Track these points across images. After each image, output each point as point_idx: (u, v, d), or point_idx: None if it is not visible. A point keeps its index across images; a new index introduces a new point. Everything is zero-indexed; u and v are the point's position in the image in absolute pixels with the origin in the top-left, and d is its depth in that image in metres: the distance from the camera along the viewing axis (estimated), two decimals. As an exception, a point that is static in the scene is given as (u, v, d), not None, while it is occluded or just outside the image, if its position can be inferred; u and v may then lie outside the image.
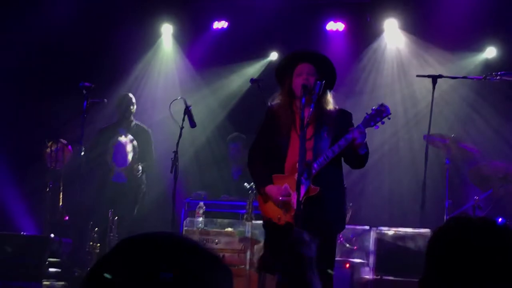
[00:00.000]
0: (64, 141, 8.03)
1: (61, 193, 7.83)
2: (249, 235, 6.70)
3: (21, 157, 8.88)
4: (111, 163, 8.10)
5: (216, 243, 6.70)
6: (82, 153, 7.45)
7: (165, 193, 8.37)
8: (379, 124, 4.78)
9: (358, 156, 4.73)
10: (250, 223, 6.69)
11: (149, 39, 9.77)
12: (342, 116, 4.91)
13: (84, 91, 7.42)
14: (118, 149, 8.13)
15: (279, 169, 4.85)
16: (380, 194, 8.92)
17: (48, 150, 7.92)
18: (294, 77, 4.86)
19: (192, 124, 6.42)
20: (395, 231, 6.73)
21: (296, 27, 9.29)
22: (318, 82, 4.71)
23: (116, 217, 7.67)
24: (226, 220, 7.10)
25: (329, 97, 4.90)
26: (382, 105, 4.80)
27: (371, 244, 6.79)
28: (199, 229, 6.96)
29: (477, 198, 6.80)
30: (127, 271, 1.37)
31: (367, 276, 6.63)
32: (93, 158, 8.04)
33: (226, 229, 6.96)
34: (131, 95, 8.42)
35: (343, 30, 9.36)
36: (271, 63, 9.28)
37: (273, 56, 9.50)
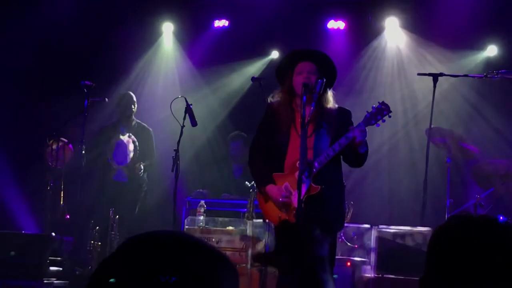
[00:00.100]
0: (65, 140, 8.02)
1: (62, 192, 7.83)
2: (250, 233, 6.70)
3: (22, 156, 8.88)
4: (111, 161, 8.10)
5: (217, 242, 6.70)
6: (83, 152, 7.45)
7: (166, 192, 8.37)
8: (380, 122, 4.78)
9: (358, 154, 4.73)
10: (251, 221, 6.68)
11: (150, 38, 9.77)
12: (342, 114, 4.91)
13: (85, 90, 7.42)
14: (119, 147, 8.13)
15: (279, 167, 4.85)
16: (381, 193, 8.92)
17: (49, 148, 7.91)
18: (294, 75, 4.86)
19: (193, 123, 6.42)
20: (396, 229, 6.73)
21: (297, 25, 9.28)
22: (319, 80, 4.72)
23: (117, 216, 7.67)
24: (227, 219, 7.10)
25: (329, 95, 4.90)
26: (383, 103, 4.79)
27: (372, 242, 6.78)
28: (200, 228, 6.96)
29: (478, 196, 6.80)
30: (131, 272, 1.37)
31: (368, 275, 6.62)
32: (94, 156, 8.04)
33: (227, 228, 6.96)
34: (132, 94, 8.42)
35: (344, 29, 9.36)
36: (272, 62, 9.28)
37: (274, 54, 9.50)
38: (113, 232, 7.60)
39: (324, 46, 8.77)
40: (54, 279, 7.04)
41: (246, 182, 6.91)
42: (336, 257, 5.97)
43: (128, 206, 8.05)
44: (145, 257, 1.39)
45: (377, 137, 8.33)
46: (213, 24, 9.69)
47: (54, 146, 7.85)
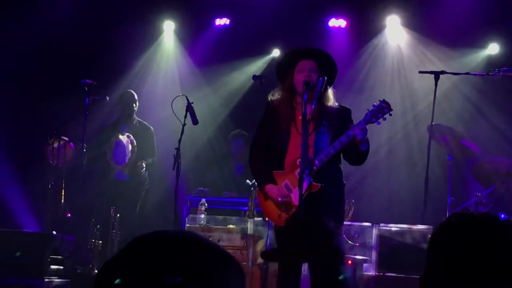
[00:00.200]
0: (66, 139, 8.02)
1: (63, 190, 7.83)
2: (251, 232, 6.70)
3: (23, 156, 8.88)
4: (110, 160, 8.09)
5: (218, 240, 6.70)
6: (84, 150, 7.45)
7: (167, 190, 8.37)
8: (380, 120, 4.78)
9: (359, 152, 4.73)
10: (252, 220, 6.68)
11: (151, 36, 9.76)
12: (342, 112, 4.91)
13: (86, 88, 7.42)
14: (118, 147, 8.12)
15: (279, 165, 4.85)
16: (382, 191, 8.92)
17: (50, 147, 7.91)
18: (295, 74, 4.85)
19: (194, 121, 6.42)
20: (397, 227, 6.72)
21: (298, 24, 9.27)
22: (320, 79, 4.72)
23: (118, 215, 7.67)
24: (228, 217, 7.10)
25: (330, 93, 4.90)
26: (383, 101, 4.80)
27: (373, 240, 6.78)
28: (201, 226, 6.96)
29: (479, 194, 6.79)
30: (136, 273, 1.36)
31: (369, 273, 6.62)
32: (95, 155, 8.04)
33: (228, 226, 6.96)
34: (133, 92, 8.42)
35: (345, 27, 9.35)
36: (273, 60, 9.26)
37: (275, 53, 9.49)
38: (114, 231, 7.61)
39: (325, 44, 8.77)
40: (55, 277, 7.04)
41: (247, 181, 6.91)
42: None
43: (129, 204, 8.05)
44: (150, 258, 1.38)
45: (378, 135, 8.32)
46: (214, 23, 9.68)
47: (55, 145, 7.85)
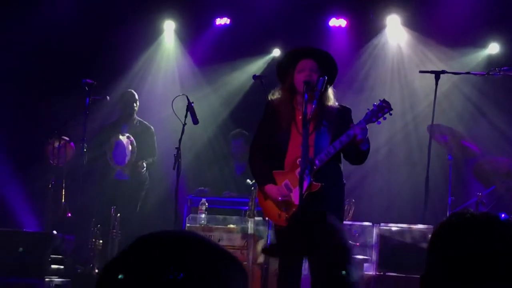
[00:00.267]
0: (67, 138, 8.02)
1: (64, 190, 7.83)
2: (251, 231, 6.70)
3: (23, 156, 8.88)
4: (110, 161, 8.09)
5: (219, 240, 6.70)
6: (85, 150, 7.45)
7: (167, 190, 8.37)
8: (380, 120, 4.78)
9: (360, 151, 4.73)
10: (252, 219, 6.68)
11: (151, 36, 9.76)
12: (343, 112, 4.91)
13: (86, 88, 7.41)
14: (118, 147, 8.12)
15: (279, 165, 4.85)
16: (383, 191, 8.91)
17: (50, 147, 7.92)
18: (296, 73, 4.85)
19: (195, 121, 6.42)
20: (398, 227, 6.72)
21: (298, 23, 9.27)
22: (320, 78, 4.72)
23: (119, 214, 7.68)
24: (228, 217, 7.10)
25: (330, 93, 4.90)
26: (384, 100, 4.80)
27: (373, 240, 6.77)
28: (202, 226, 6.96)
29: (480, 194, 6.79)
30: (139, 269, 1.37)
31: (370, 273, 6.62)
32: (96, 155, 8.04)
33: (228, 226, 6.96)
34: (134, 92, 8.42)
35: (345, 27, 9.35)
36: (273, 60, 9.26)
37: (276, 52, 9.48)
38: (114, 231, 7.61)
39: (326, 44, 8.76)
40: (56, 277, 7.04)
41: (248, 180, 6.91)
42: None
43: (129, 204, 8.06)
44: (153, 255, 1.39)
45: (379, 135, 8.32)
46: (215, 22, 9.68)
47: (56, 144, 7.86)
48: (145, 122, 8.43)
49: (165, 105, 7.24)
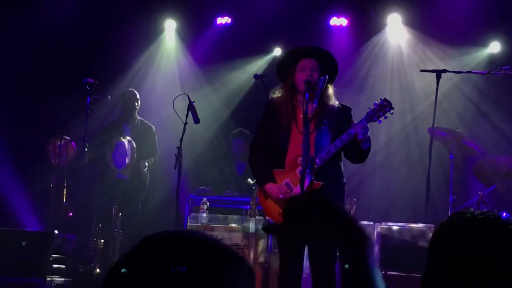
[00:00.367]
0: (68, 138, 8.03)
1: (65, 189, 7.83)
2: (252, 230, 6.70)
3: (24, 155, 8.89)
4: (109, 162, 8.08)
5: (220, 239, 6.69)
6: (86, 150, 7.46)
7: (169, 189, 8.38)
8: (381, 119, 4.78)
9: (361, 150, 4.73)
10: (254, 219, 6.68)
11: (152, 35, 9.77)
12: (343, 111, 4.92)
13: (87, 88, 7.42)
14: (118, 149, 8.11)
15: (280, 163, 4.85)
16: (384, 190, 8.91)
17: (52, 146, 7.92)
18: (296, 72, 4.85)
19: (196, 120, 6.42)
20: (399, 226, 6.72)
21: (299, 22, 9.27)
22: (321, 77, 4.72)
23: (120, 214, 7.68)
24: (230, 216, 7.10)
25: (331, 92, 4.90)
26: (385, 99, 4.80)
27: (375, 239, 6.77)
28: (203, 225, 6.96)
29: (481, 193, 6.79)
30: (143, 264, 1.39)
31: (370, 272, 6.61)
32: (97, 154, 8.04)
33: (230, 225, 6.96)
34: (135, 91, 8.42)
35: (346, 26, 9.35)
36: (274, 59, 9.26)
37: (277, 51, 9.48)
38: (116, 230, 7.61)
39: (327, 43, 8.76)
40: (57, 276, 7.05)
41: (249, 179, 6.90)
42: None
43: (130, 203, 8.06)
44: (157, 251, 1.42)
45: (379, 134, 8.32)
46: (216, 22, 9.68)
47: (57, 144, 7.86)
48: (146, 121, 8.43)
49: (166, 105, 7.25)
